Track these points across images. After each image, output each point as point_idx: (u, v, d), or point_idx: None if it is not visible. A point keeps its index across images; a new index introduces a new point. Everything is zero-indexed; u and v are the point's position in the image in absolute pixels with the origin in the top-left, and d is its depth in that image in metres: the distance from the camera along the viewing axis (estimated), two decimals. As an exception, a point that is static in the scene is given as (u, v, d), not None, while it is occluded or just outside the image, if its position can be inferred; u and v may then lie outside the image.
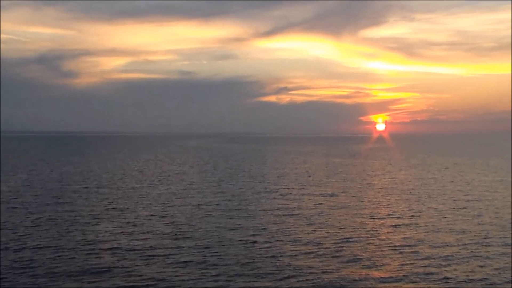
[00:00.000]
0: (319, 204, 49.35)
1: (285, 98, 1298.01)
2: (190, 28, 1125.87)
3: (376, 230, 36.90)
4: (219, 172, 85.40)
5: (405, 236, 35.11)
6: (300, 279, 25.13)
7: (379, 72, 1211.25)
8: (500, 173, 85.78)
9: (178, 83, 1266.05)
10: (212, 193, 57.36)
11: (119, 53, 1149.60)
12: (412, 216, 43.00)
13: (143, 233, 35.42)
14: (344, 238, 34.00)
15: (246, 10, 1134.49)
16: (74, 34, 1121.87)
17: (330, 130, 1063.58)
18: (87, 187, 61.81)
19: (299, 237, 34.36)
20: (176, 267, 26.94)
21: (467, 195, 56.65)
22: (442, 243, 32.97)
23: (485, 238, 34.34)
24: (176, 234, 34.97)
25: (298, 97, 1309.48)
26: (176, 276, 25.46)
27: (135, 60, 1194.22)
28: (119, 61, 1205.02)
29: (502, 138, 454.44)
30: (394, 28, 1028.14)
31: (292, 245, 32.06)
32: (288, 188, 61.99)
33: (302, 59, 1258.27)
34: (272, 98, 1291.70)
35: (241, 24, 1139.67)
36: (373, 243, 32.86)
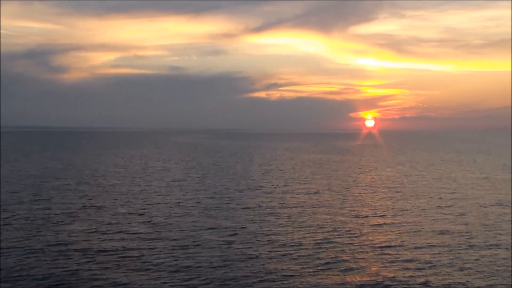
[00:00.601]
0: (301, 202, 48.35)
1: (275, 94, 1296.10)
2: (180, 23, 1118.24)
3: (358, 230, 35.93)
4: (204, 169, 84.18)
5: (387, 236, 34.21)
6: (275, 283, 24.11)
7: (369, 69, 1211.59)
8: (485, 170, 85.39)
9: (168, 78, 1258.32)
10: (194, 190, 56.20)
11: (109, 48, 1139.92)
12: (396, 215, 42.14)
13: (117, 232, 34.17)
14: (324, 239, 32.96)
15: (236, 6, 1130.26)
16: (63, 28, 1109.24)
17: (320, 126, 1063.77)
18: (67, 184, 60.36)
19: (278, 237, 33.30)
20: (146, 270, 25.76)
21: (453, 193, 55.96)
22: (424, 243, 32.08)
23: (469, 238, 33.48)
24: (151, 234, 33.81)
25: (288, 93, 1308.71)
26: (145, 279, 24.30)
27: (125, 56, 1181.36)
28: (109, 56, 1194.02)
29: (490, 135, 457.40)
30: (384, 25, 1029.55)
31: (269, 246, 31.00)
32: (271, 186, 60.93)
33: (292, 55, 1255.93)
34: (262, 94, 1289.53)
35: (231, 20, 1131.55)
36: (354, 243, 31.87)
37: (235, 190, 56.76)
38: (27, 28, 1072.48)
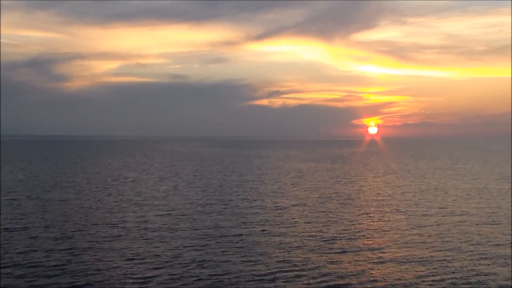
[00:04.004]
0: (264, 220, 42.12)
1: (277, 102, 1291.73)
2: (182, 31, 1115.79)
3: (317, 260, 29.63)
4: (178, 180, 78.04)
5: (348, 267, 27.95)
6: None
7: (371, 76, 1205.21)
8: (482, 179, 78.92)
9: (170, 86, 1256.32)
10: (150, 206, 50.00)
11: (110, 56, 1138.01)
12: (369, 237, 35.89)
13: (22, 266, 28.04)
14: (269, 273, 26.75)
15: (238, 13, 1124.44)
16: (65, 37, 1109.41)
17: (322, 134, 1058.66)
18: (12, 199, 54.26)
19: (210, 272, 27.07)
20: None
21: (441, 207, 49.63)
22: (393, 276, 25.86)
23: (453, 284, 27.13)
24: (63, 264, 27.71)
25: (290, 100, 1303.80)
26: None
27: (127, 64, 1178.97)
28: (111, 65, 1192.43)
29: (491, 141, 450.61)
30: (386, 32, 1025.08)
31: (199, 282, 24.84)
32: (240, 200, 54.65)
33: (294, 62, 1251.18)
34: (264, 102, 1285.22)
35: (233, 28, 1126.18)
36: (306, 277, 25.61)
37: (197, 205, 50.72)
38: (29, 37, 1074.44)
